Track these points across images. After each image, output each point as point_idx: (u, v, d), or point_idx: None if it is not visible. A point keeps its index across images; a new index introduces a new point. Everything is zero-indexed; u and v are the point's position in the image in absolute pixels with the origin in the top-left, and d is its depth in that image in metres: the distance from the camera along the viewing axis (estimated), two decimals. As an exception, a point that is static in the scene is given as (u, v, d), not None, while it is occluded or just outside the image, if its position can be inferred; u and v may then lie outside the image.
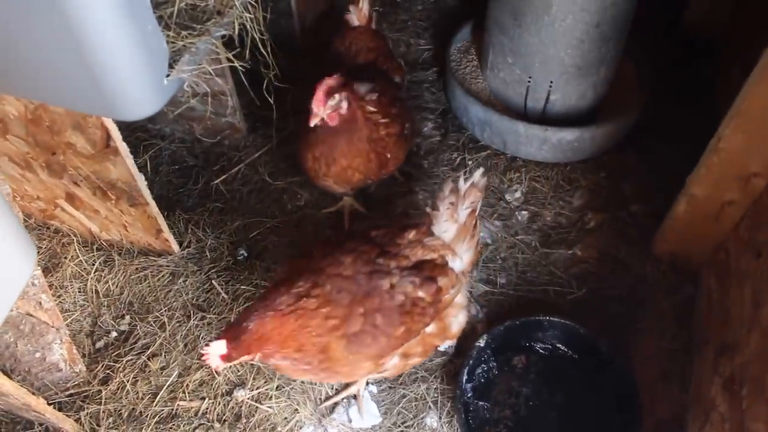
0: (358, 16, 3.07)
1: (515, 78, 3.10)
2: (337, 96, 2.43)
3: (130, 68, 1.81)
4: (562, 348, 2.61)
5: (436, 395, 2.55)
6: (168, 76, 1.94)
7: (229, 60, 2.14)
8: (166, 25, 1.98)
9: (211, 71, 2.02)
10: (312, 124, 2.44)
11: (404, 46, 3.74)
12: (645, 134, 3.24)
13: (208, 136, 3.35)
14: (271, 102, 2.57)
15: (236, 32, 2.10)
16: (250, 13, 2.10)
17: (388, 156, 2.74)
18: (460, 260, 2.27)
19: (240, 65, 2.14)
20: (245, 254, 2.95)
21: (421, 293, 2.10)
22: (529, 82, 3.06)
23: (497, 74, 3.19)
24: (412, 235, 2.22)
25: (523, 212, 3.04)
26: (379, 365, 2.12)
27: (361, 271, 2.07)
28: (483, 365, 2.57)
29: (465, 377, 2.46)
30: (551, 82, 3.01)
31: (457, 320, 2.33)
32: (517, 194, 3.10)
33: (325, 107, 2.43)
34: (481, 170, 2.31)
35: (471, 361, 2.50)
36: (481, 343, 2.52)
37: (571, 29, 2.80)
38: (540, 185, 3.14)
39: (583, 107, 3.12)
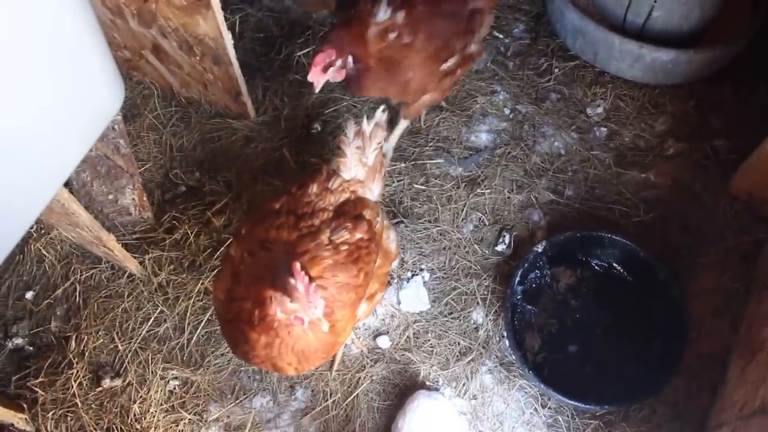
0: None
1: (618, -12, 2.95)
2: (335, 64, 2.34)
3: None
4: (618, 268, 2.60)
5: (485, 293, 2.58)
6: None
7: None
8: None
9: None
10: (316, 90, 2.38)
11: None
12: (745, 67, 3.07)
13: (297, 8, 3.31)
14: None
15: None
16: None
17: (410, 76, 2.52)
18: (371, 191, 2.23)
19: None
20: (319, 128, 2.97)
21: (358, 234, 2.05)
22: (632, -4, 2.91)
23: (600, -18, 3.04)
24: (314, 188, 2.14)
25: (602, 129, 2.97)
26: (355, 318, 2.09)
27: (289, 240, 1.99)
28: (537, 271, 2.58)
29: (518, 279, 2.48)
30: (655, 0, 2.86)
31: (391, 240, 2.30)
32: (599, 110, 3.01)
33: (325, 75, 2.35)
34: (382, 108, 2.25)
35: (526, 265, 2.51)
36: (539, 249, 2.52)
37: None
38: (624, 104, 3.03)
39: (685, 28, 2.96)
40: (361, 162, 2.18)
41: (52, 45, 1.69)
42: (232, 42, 2.60)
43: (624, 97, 3.05)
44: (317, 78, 2.33)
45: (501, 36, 3.23)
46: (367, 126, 2.17)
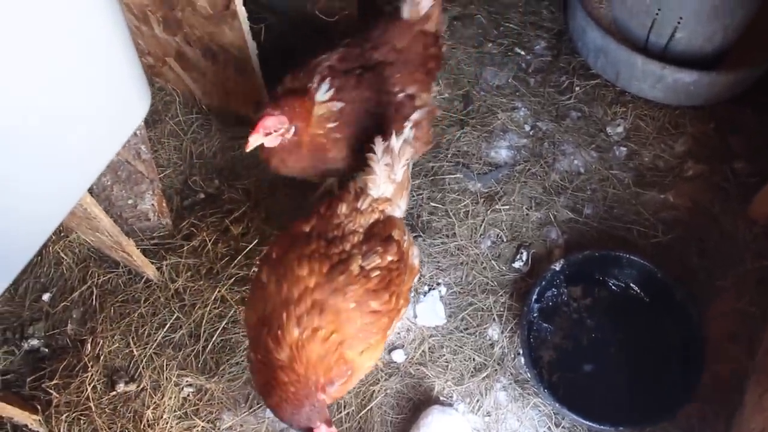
0: (410, 8, 2.50)
1: (642, 9, 2.95)
2: (277, 130, 2.23)
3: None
4: (636, 289, 2.59)
5: (502, 309, 2.58)
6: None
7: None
8: None
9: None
10: (247, 150, 2.24)
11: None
12: (766, 90, 3.07)
13: (319, 16, 3.31)
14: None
15: None
16: None
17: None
18: (399, 208, 2.22)
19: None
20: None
21: (389, 257, 2.05)
22: (657, 15, 2.91)
23: (624, 2, 3.04)
24: (343, 208, 2.12)
25: (622, 148, 2.96)
26: (385, 340, 2.11)
27: (324, 273, 1.97)
28: (554, 289, 2.57)
29: (534, 297, 2.48)
30: (680, 18, 2.85)
31: (415, 256, 2.26)
32: (619, 129, 3.01)
33: (264, 139, 2.24)
34: (410, 124, 2.23)
35: (543, 283, 2.51)
36: (557, 267, 2.52)
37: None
38: (644, 124, 3.03)
39: (708, 50, 2.96)
40: (390, 179, 2.16)
41: (83, 50, 1.70)
42: (257, 51, 2.62)
43: (644, 117, 3.05)
44: (257, 140, 2.21)
45: (522, 52, 3.24)
46: (395, 142, 2.14)
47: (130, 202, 2.79)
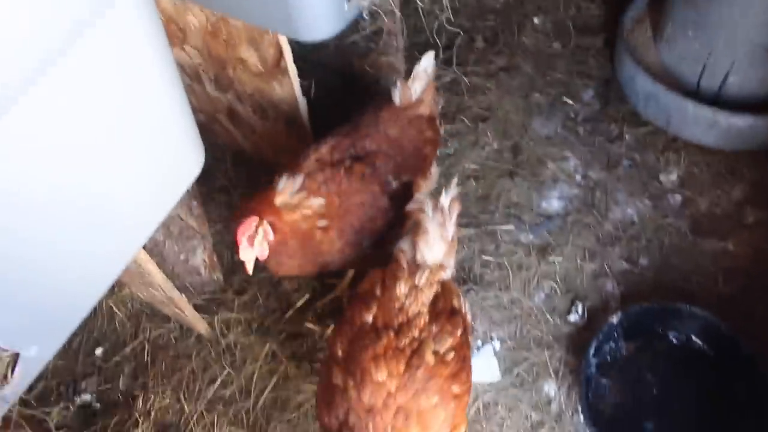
0: (401, 93, 2.44)
1: (693, 54, 2.91)
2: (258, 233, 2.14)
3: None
4: (698, 342, 2.49)
5: (558, 364, 2.51)
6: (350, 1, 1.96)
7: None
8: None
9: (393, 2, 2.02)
10: (250, 272, 2.18)
11: (574, 8, 3.59)
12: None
13: (365, 73, 3.36)
14: (439, 44, 2.55)
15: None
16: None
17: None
18: (450, 269, 2.12)
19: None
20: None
21: (458, 332, 1.97)
22: (708, 59, 2.87)
23: (673, 48, 3.01)
24: (402, 288, 2.00)
25: (677, 195, 2.89)
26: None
27: (402, 372, 1.87)
28: (612, 343, 2.49)
29: (592, 351, 2.40)
30: (733, 62, 2.81)
31: (469, 312, 2.17)
32: (673, 176, 2.94)
33: (255, 249, 2.14)
34: (455, 180, 2.16)
35: (600, 336, 2.43)
36: (614, 320, 2.44)
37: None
38: (699, 170, 2.96)
39: (763, 93, 2.90)
40: (443, 237, 2.08)
41: (142, 114, 1.74)
42: (306, 107, 2.65)
43: (698, 163, 2.98)
44: (248, 254, 2.13)
45: (571, 102, 3.20)
46: (445, 199, 2.09)
47: (181, 257, 2.81)
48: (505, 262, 2.75)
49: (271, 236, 2.16)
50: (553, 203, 2.91)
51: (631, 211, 2.86)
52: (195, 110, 3.03)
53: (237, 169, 3.13)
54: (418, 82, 2.42)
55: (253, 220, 2.12)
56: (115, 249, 1.85)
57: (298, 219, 2.23)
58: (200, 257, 2.81)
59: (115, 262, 1.89)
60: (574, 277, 2.71)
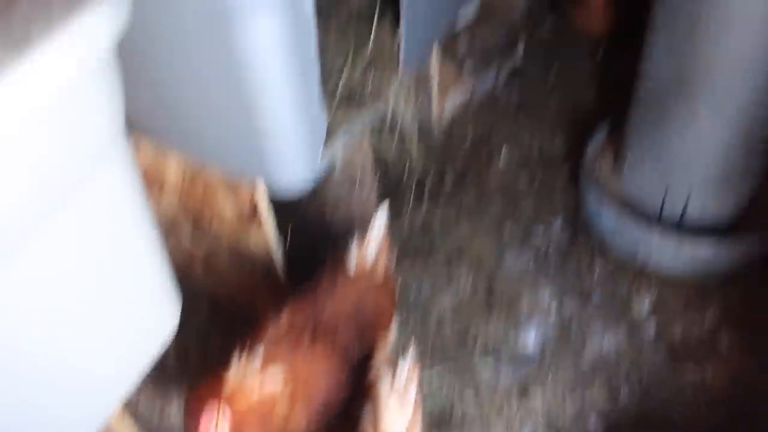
0: (357, 261, 2.46)
1: (653, 183, 3.02)
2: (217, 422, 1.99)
3: (294, 134, 1.93)
4: (687, 476, 2.45)
5: (547, 508, 2.43)
6: (324, 149, 2.04)
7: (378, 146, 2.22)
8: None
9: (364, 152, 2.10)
10: None
11: (538, 140, 3.72)
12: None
13: (339, 222, 3.44)
14: (411, 188, 2.63)
15: (388, 121, 2.19)
16: (403, 104, 2.19)
17: None
18: (419, 425, 2.03)
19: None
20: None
21: None
22: (667, 188, 2.97)
23: (635, 177, 3.12)
24: None
25: (651, 324, 2.92)
26: None
27: None
28: (600, 483, 2.44)
29: (581, 493, 2.34)
30: (689, 192, 2.92)
31: None
32: (645, 306, 2.99)
33: None
34: (412, 347, 2.10)
35: (588, 477, 2.38)
36: (601, 459, 2.40)
37: (718, 137, 2.73)
38: (670, 298, 3.01)
39: (725, 216, 3.00)
40: (405, 405, 1.96)
41: (118, 270, 1.75)
42: (281, 258, 2.69)
43: (669, 292, 3.03)
44: None
45: (540, 235, 3.29)
46: (403, 367, 1.99)
47: (157, 409, 2.75)
48: (486, 402, 2.72)
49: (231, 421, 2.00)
50: (531, 338, 2.92)
51: (608, 343, 2.87)
52: (169, 261, 3.07)
53: (212, 317, 3.11)
54: (373, 245, 2.43)
55: (213, 407, 1.96)
56: (88, 416, 1.81)
57: (256, 402, 2.08)
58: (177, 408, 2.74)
59: (91, 424, 1.84)
60: (556, 415, 2.68)
